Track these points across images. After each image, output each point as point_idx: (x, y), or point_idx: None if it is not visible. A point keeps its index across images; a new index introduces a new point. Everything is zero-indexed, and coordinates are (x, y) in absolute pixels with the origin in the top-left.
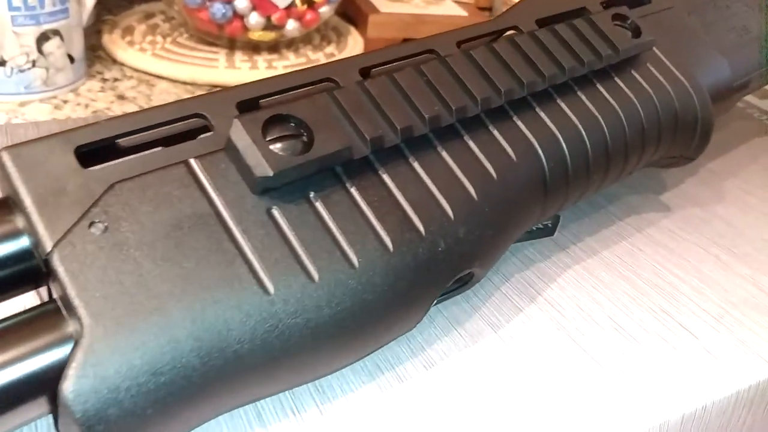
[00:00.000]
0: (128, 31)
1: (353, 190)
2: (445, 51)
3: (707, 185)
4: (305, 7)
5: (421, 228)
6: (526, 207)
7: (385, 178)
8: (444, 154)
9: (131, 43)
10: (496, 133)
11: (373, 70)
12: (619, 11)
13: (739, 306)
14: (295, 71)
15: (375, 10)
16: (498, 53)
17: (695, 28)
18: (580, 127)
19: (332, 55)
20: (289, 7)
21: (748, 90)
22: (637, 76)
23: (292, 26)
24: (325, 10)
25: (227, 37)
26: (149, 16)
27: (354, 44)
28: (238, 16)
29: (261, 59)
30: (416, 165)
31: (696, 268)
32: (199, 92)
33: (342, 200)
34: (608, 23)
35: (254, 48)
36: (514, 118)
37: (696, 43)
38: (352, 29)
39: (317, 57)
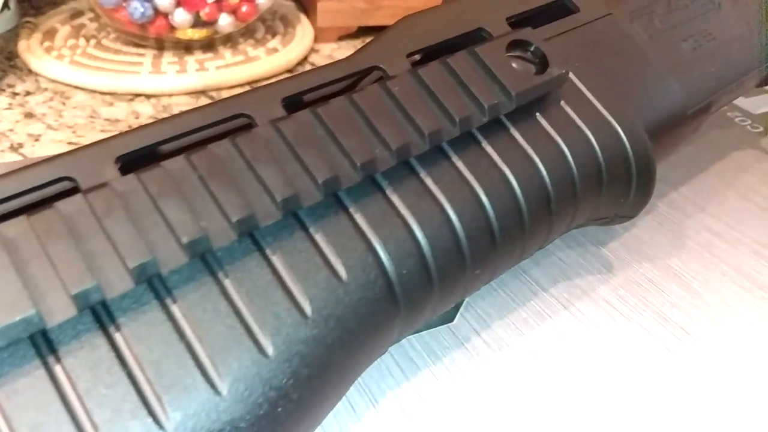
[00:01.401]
0: (49, 34)
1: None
2: (262, 114)
3: (666, 226)
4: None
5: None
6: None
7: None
8: (275, 259)
9: (49, 49)
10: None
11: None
12: (520, 36)
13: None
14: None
15: None
16: (337, 118)
17: (637, 41)
18: (450, 211)
19: (275, 50)
20: (220, 1)
21: (716, 108)
22: (544, 122)
23: (225, 21)
24: (264, 2)
25: (154, 38)
26: (77, 14)
27: (303, 36)
28: (162, 14)
29: (192, 60)
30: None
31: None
32: (118, 103)
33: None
34: (501, 56)
35: (186, 47)
36: (350, 211)
37: (636, 62)
38: (303, 18)
39: (257, 53)
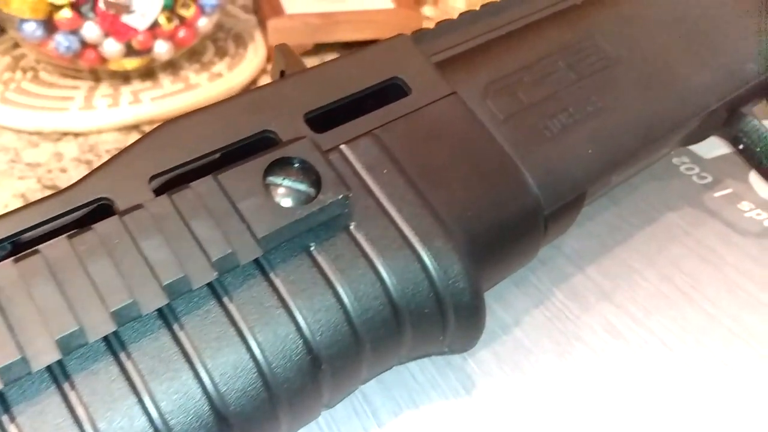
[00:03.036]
0: None
1: None
2: None
3: (557, 325)
4: (174, 24)
5: None
6: None
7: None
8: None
9: None
10: None
11: None
12: (287, 152)
13: None
14: None
15: (277, 12)
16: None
17: (486, 126)
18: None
19: (219, 75)
20: (154, 28)
21: (602, 193)
22: (318, 258)
23: (162, 48)
24: (204, 24)
25: (88, 69)
26: (18, 44)
27: (254, 56)
28: (91, 45)
29: (128, 91)
30: None
31: None
32: (44, 143)
33: None
34: (255, 182)
35: (125, 77)
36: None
37: (478, 154)
38: (259, 36)
39: (199, 79)
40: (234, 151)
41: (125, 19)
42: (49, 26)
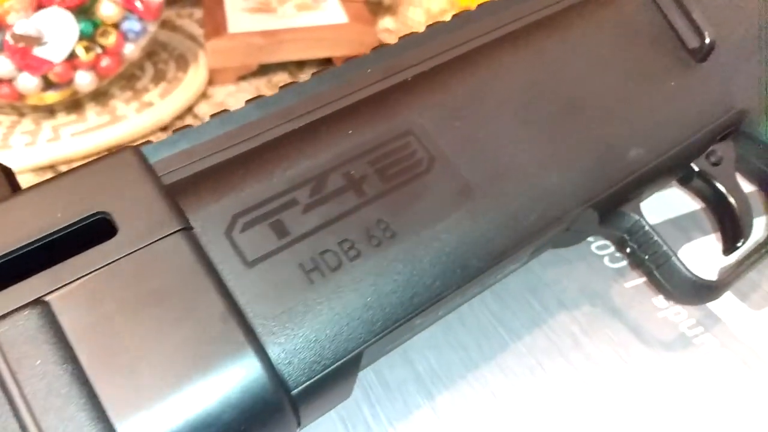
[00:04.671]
0: None
1: None
2: None
3: None
4: (95, 54)
5: None
6: None
7: None
8: None
9: None
10: None
11: None
12: None
13: None
14: None
15: (218, 32)
16: None
17: (213, 280)
18: None
19: (149, 104)
20: (72, 59)
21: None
22: None
23: (86, 79)
24: (131, 50)
25: (8, 105)
26: None
27: (193, 80)
28: (5, 80)
29: (49, 127)
30: None
31: None
32: None
33: None
34: None
35: (50, 110)
36: None
37: (195, 319)
38: (203, 56)
39: (127, 110)
40: None
41: (37, 51)
42: None
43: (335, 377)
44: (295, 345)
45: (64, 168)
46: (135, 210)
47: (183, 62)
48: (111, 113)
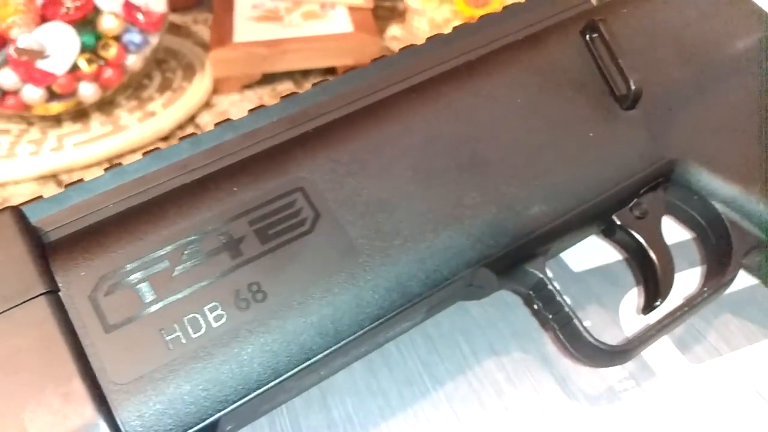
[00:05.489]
0: None
1: None
2: None
3: None
4: (97, 65)
5: None
6: None
7: None
8: None
9: None
10: None
11: None
12: None
13: None
14: None
15: (222, 42)
16: None
17: (71, 346)
18: None
19: (152, 114)
20: (75, 71)
21: None
22: None
23: (89, 90)
24: (133, 61)
25: (17, 115)
26: None
27: (197, 90)
28: (10, 92)
29: (54, 136)
30: None
31: None
32: None
33: None
34: None
35: (57, 119)
36: None
37: (48, 384)
38: (208, 64)
39: (130, 120)
40: None
41: (41, 64)
42: None
43: None
44: (149, 410)
45: (65, 177)
46: (3, 273)
47: (190, 71)
48: (114, 123)
